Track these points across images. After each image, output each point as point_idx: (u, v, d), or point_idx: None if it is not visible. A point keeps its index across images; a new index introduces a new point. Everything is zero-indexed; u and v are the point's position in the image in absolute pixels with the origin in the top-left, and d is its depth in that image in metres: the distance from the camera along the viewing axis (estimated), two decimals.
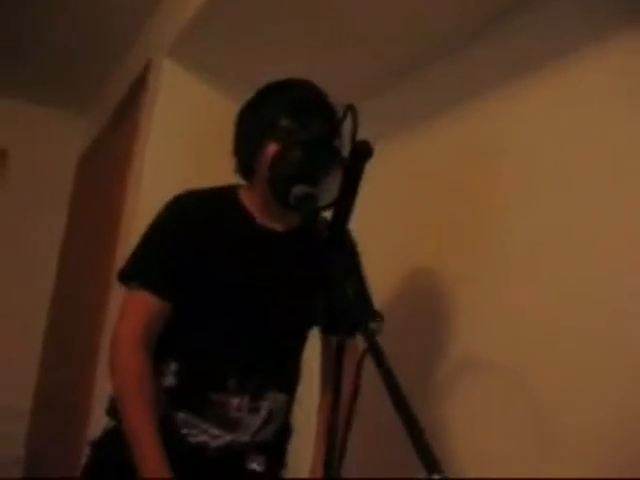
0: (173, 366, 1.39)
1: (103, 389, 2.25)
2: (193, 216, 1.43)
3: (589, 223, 1.51)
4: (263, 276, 1.42)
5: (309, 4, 1.98)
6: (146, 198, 2.36)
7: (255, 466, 1.42)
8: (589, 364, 1.43)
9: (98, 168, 3.36)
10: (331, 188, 1.28)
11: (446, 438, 1.71)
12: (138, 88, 2.71)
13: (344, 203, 1.16)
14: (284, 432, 1.51)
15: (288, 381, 1.49)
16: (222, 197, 1.49)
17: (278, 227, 1.47)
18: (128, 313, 1.39)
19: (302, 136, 1.36)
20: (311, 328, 1.54)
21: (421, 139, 2.12)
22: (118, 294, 2.32)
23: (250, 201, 1.47)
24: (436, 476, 0.72)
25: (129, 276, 1.43)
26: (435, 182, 2.01)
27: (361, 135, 1.14)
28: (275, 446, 1.48)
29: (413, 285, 1.95)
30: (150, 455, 1.28)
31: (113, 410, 1.41)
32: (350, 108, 1.26)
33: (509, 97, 1.81)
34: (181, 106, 2.47)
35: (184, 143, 2.44)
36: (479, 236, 1.80)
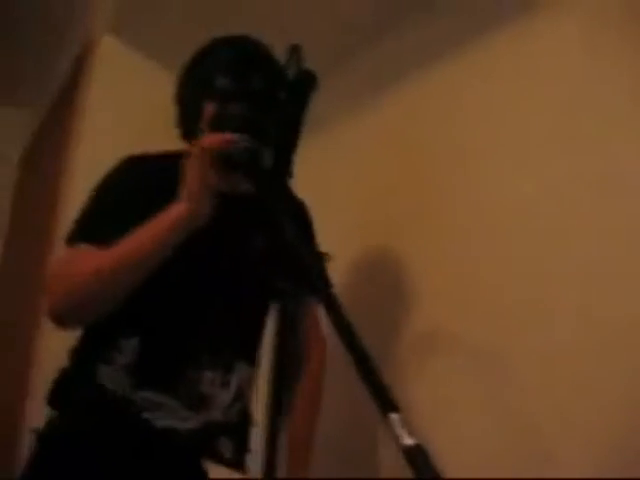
0: (133, 341, 1.23)
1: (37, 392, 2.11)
2: (144, 177, 1.32)
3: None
4: (218, 241, 1.29)
5: None
6: (83, 182, 2.21)
7: (226, 453, 1.30)
8: (562, 332, 1.33)
9: (40, 161, 3.19)
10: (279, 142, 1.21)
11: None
12: (78, 70, 2.56)
13: (287, 141, 1.05)
14: (247, 412, 1.38)
15: (254, 354, 1.38)
16: (172, 160, 1.36)
17: (231, 191, 1.34)
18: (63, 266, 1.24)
19: (239, 92, 1.28)
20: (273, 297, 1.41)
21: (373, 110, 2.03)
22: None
23: None
24: (393, 414, 0.59)
25: (76, 237, 1.26)
26: (384, 150, 1.95)
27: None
28: (241, 428, 1.36)
29: (368, 259, 1.85)
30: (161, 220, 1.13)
31: (55, 398, 1.26)
32: (294, 48, 1.18)
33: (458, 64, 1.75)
34: (123, 83, 2.33)
35: (127, 122, 2.28)
36: (431, 208, 1.72)
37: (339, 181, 2.07)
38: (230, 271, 1.31)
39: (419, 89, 1.87)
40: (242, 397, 1.34)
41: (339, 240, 1.75)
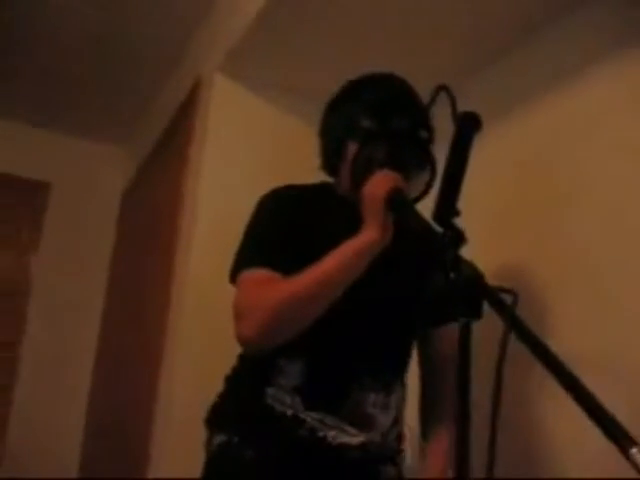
0: (298, 364, 1.30)
1: (162, 423, 2.20)
2: (298, 205, 1.38)
3: None
4: (387, 271, 1.32)
5: (369, 9, 1.94)
6: (204, 220, 2.31)
7: (391, 473, 1.36)
8: None
9: (145, 197, 3.31)
10: (421, 180, 1.27)
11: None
12: (187, 108, 2.67)
13: (452, 182, 1.08)
14: (401, 437, 1.42)
15: (405, 376, 1.43)
16: (320, 188, 1.46)
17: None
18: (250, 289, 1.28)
19: (382, 134, 1.32)
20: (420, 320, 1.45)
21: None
22: (175, 327, 2.27)
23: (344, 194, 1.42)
24: (634, 449, 0.63)
25: (252, 263, 1.30)
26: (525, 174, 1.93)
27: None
28: (399, 454, 1.40)
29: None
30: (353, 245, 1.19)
31: (221, 421, 1.35)
32: (441, 88, 1.22)
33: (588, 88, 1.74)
34: (235, 122, 2.41)
35: (240, 161, 2.37)
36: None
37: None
38: (396, 297, 1.37)
39: (544, 115, 1.88)
40: (399, 421, 1.39)
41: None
